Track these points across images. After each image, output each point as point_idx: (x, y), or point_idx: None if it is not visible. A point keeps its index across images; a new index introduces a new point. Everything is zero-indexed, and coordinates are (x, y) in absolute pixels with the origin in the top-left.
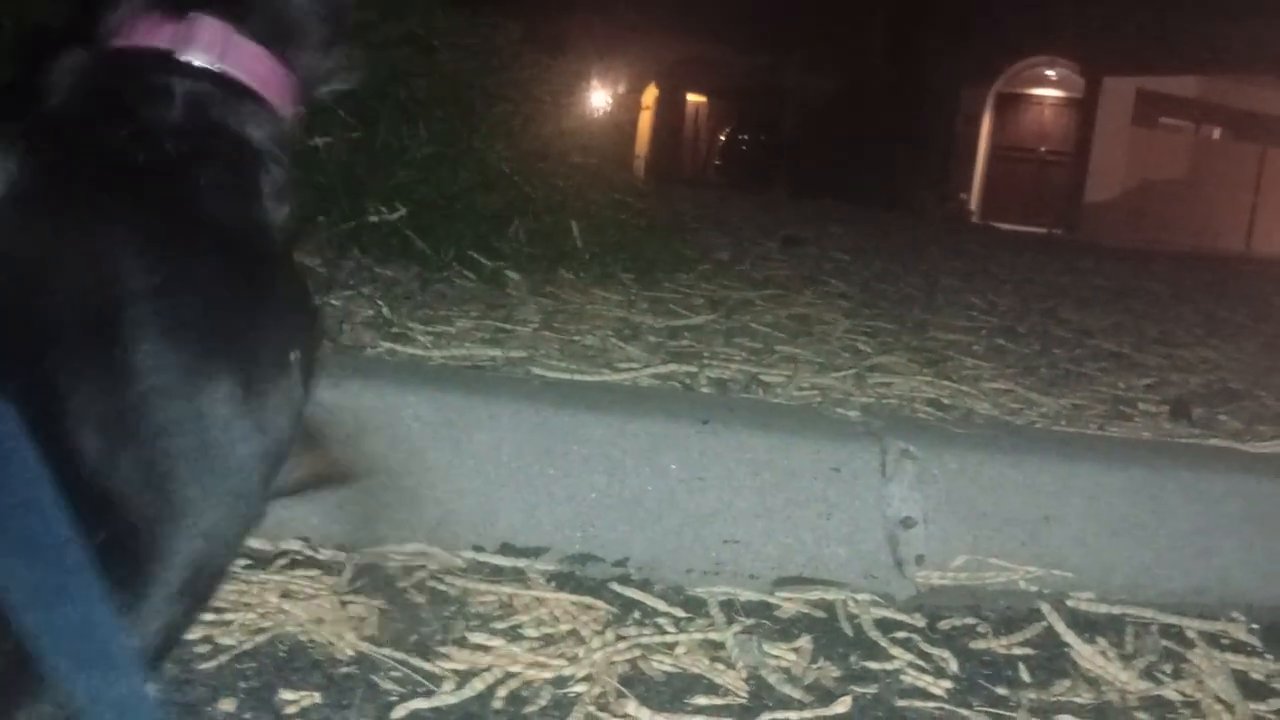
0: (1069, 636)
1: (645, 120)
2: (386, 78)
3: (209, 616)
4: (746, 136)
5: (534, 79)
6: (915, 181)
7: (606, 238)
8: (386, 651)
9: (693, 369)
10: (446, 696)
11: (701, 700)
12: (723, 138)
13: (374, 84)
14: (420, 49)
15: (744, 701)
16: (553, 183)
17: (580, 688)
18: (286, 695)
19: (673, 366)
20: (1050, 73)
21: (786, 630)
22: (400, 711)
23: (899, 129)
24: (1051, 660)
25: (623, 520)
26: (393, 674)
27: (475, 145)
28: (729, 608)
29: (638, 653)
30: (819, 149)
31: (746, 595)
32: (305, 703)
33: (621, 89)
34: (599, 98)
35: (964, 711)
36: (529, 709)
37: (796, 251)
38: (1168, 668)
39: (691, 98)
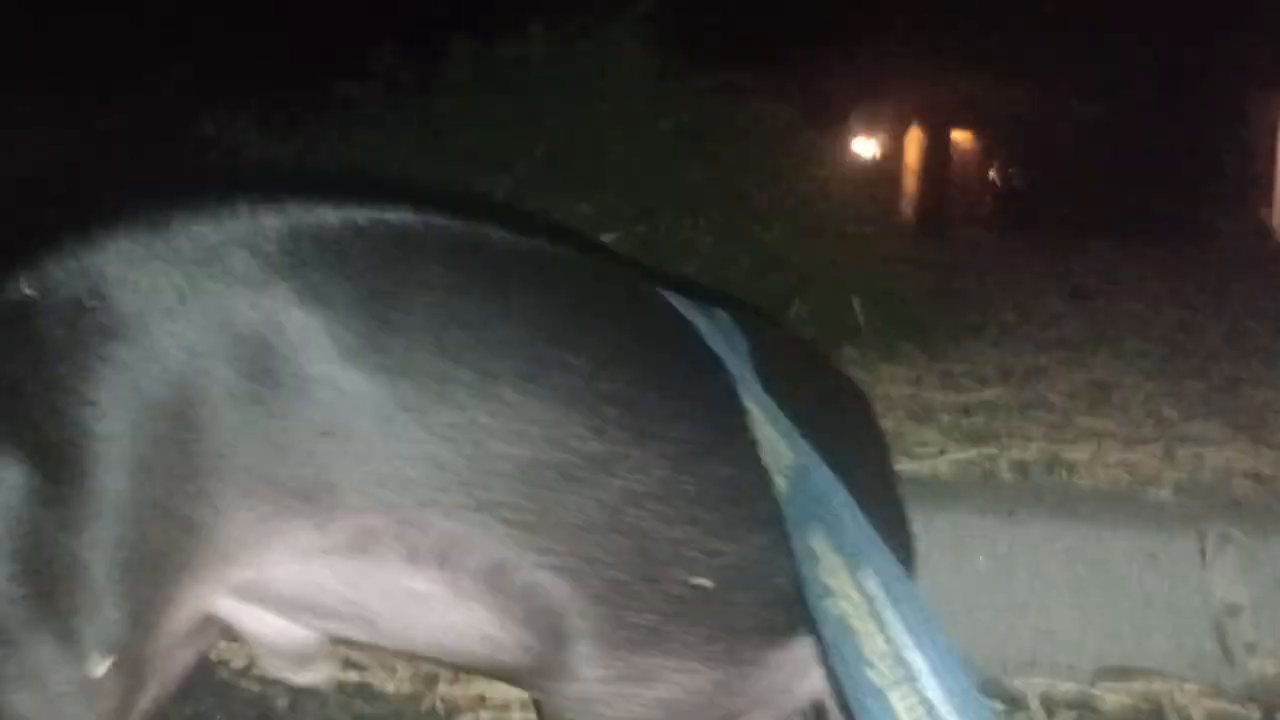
0: None
1: (912, 165)
2: (663, 172)
3: None
4: (1016, 172)
5: (805, 157)
6: (1208, 206)
7: (887, 310)
8: None
9: (992, 451)
10: None
11: None
12: (992, 175)
13: (652, 179)
14: (692, 140)
15: None
16: (830, 257)
17: None
18: None
19: (972, 452)
20: None
21: None
22: None
23: (1187, 149)
24: None
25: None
26: None
27: (753, 230)
28: (1049, 700)
29: None
30: (1099, 180)
31: (1066, 687)
32: None
33: (882, 137)
34: (862, 146)
35: None
36: None
37: (1085, 304)
38: None
39: (955, 136)
